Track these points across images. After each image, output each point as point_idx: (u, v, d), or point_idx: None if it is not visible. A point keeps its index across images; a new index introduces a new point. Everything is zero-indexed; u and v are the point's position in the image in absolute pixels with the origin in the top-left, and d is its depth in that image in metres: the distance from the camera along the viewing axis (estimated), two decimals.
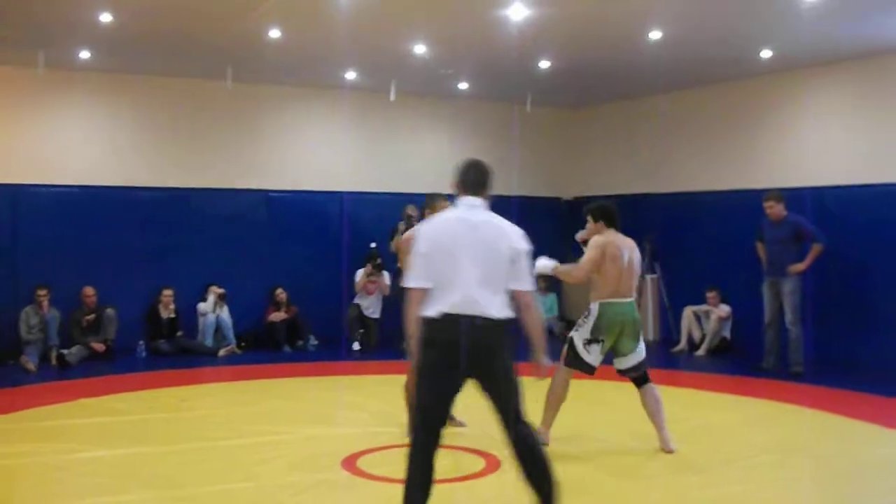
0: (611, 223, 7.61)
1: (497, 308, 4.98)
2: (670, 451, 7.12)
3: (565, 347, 7.42)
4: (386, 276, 13.11)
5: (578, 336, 7.33)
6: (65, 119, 12.84)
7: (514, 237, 5.17)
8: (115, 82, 12.97)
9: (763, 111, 12.99)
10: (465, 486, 6.32)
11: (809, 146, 12.32)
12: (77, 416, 8.47)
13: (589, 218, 7.70)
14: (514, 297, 5.09)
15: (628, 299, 7.30)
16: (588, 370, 7.34)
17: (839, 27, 10.12)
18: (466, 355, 4.89)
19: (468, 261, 4.98)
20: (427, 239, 5.11)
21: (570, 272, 7.58)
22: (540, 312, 5.38)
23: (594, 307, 7.29)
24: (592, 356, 7.28)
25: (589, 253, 7.36)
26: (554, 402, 7.40)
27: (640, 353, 7.37)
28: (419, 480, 4.94)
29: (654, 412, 7.29)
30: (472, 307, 4.93)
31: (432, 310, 4.95)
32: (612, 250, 7.31)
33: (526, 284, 5.13)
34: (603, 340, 7.22)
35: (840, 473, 6.75)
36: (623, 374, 7.44)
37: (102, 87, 12.98)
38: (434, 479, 4.97)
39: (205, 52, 11.64)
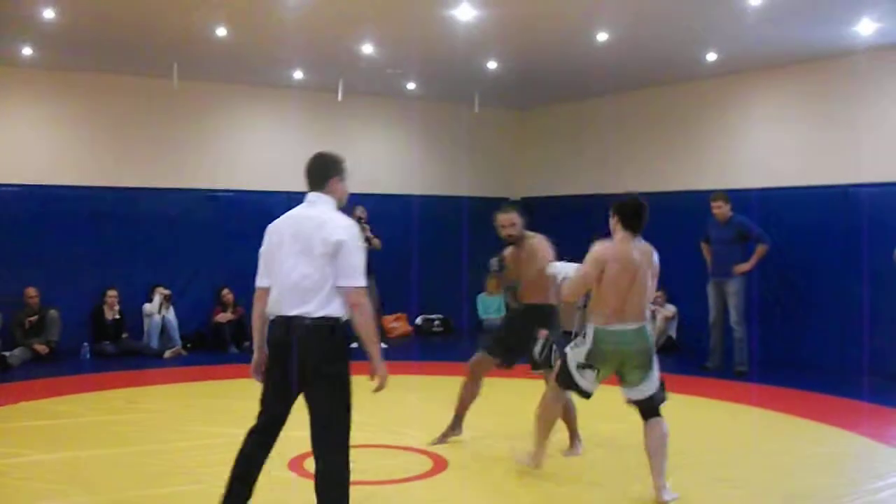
0: (628, 224, 6.45)
1: (316, 307, 4.74)
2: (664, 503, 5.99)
3: (559, 363, 6.47)
4: None
5: (573, 356, 6.32)
6: (5, 117, 12.63)
7: (333, 229, 4.82)
8: (58, 80, 12.79)
9: (709, 113, 13.13)
10: (407, 488, 6.33)
11: (755, 148, 12.46)
12: (19, 419, 8.35)
13: (610, 213, 6.57)
14: (345, 296, 4.79)
15: (634, 325, 6.14)
16: (583, 395, 6.36)
17: (784, 31, 10.25)
18: (288, 358, 4.74)
19: (289, 258, 4.83)
20: (265, 237, 5.04)
21: (561, 290, 6.70)
22: (369, 313, 4.84)
23: (590, 331, 6.26)
24: (587, 381, 6.28)
25: (582, 267, 6.41)
26: (543, 426, 6.52)
27: (651, 383, 6.27)
28: (243, 473, 4.94)
29: (654, 450, 6.11)
30: (291, 307, 4.76)
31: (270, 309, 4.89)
32: (615, 264, 6.22)
33: (351, 280, 4.76)
34: (598, 369, 6.21)
35: (783, 471, 6.84)
36: (630, 403, 6.37)
37: (45, 85, 12.79)
38: (256, 477, 4.95)
39: (150, 50, 11.53)
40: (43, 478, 6.49)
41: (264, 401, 4.98)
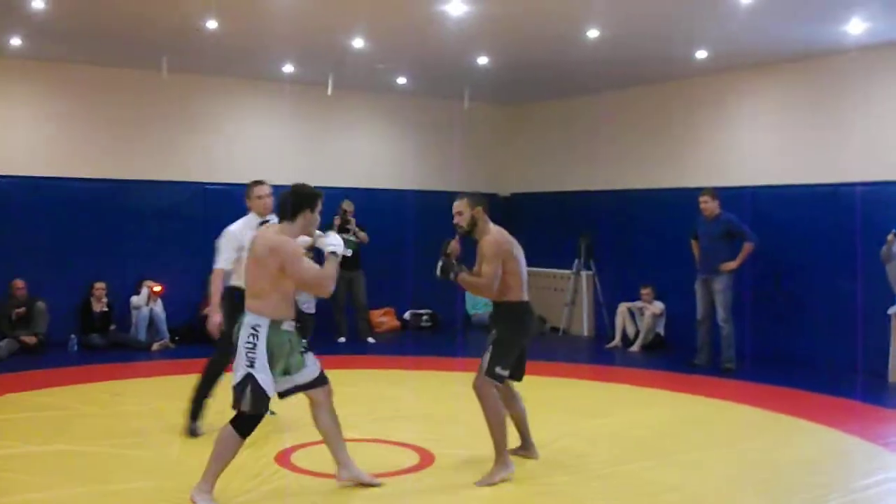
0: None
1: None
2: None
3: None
4: None
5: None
6: None
7: None
8: (47, 71, 12.74)
9: (699, 111, 13.14)
10: (394, 481, 6.31)
11: (744, 146, 12.48)
12: (5, 411, 8.32)
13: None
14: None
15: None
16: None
17: (773, 29, 10.26)
18: None
19: None
20: None
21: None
22: None
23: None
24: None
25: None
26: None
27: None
28: None
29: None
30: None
31: None
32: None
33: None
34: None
35: (768, 468, 6.83)
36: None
37: (34, 76, 12.74)
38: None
39: (140, 42, 11.47)
40: (29, 469, 6.49)
41: None
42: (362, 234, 13.00)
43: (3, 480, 6.23)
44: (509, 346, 6.53)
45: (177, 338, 12.79)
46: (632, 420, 8.38)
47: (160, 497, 5.84)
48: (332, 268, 5.72)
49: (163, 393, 9.46)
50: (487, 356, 6.48)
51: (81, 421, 8.03)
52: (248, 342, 5.57)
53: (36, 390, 9.28)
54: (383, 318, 14.71)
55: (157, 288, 12.72)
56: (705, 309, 11.37)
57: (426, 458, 6.84)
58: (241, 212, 7.72)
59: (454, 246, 6.77)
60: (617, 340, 13.12)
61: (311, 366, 5.88)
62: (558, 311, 14.67)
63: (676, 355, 12.00)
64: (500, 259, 6.49)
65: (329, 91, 13.49)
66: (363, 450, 7.01)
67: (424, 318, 15.10)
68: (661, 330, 12.95)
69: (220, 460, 5.65)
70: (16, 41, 11.36)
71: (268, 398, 5.63)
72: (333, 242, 5.83)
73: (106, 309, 12.56)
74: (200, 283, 13.13)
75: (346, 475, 6.11)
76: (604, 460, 6.92)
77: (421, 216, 15.00)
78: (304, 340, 5.89)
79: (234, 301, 6.68)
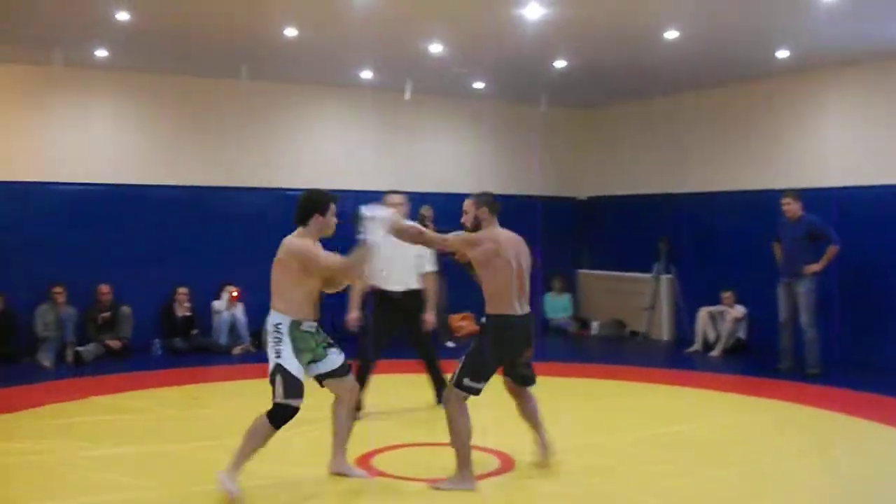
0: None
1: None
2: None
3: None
4: None
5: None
6: (80, 117, 12.87)
7: None
8: (130, 80, 13.00)
9: (780, 111, 12.93)
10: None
11: (827, 146, 12.27)
12: (91, 413, 8.49)
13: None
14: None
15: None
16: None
17: (857, 28, 10.06)
18: None
19: None
20: None
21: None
22: None
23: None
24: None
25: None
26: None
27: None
28: None
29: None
30: None
31: None
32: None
33: None
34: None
35: (853, 477, 6.69)
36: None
37: (118, 86, 13.00)
38: None
39: (220, 51, 11.65)
40: (113, 470, 6.60)
41: None
42: None
43: (89, 480, 6.36)
44: (482, 359, 6.21)
45: (258, 342, 12.92)
46: (712, 426, 8.26)
47: (243, 498, 5.89)
48: (357, 255, 5.97)
49: (243, 396, 9.56)
50: (459, 367, 6.26)
51: (165, 423, 8.17)
52: (275, 337, 5.90)
53: (121, 393, 9.45)
54: (462, 323, 14.71)
55: (235, 293, 12.88)
56: (788, 313, 11.17)
57: (507, 463, 6.82)
58: None
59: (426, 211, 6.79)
60: (697, 345, 12.96)
61: (334, 356, 6.16)
62: (638, 315, 14.55)
63: (758, 360, 11.82)
64: (474, 245, 6.51)
65: (407, 96, 13.55)
66: (442, 454, 7.01)
67: None
68: (742, 334, 12.77)
69: (249, 447, 5.85)
70: (101, 52, 11.61)
71: (300, 386, 5.84)
72: (366, 228, 6.01)
73: (188, 313, 12.76)
74: None
75: (336, 468, 6.34)
76: (683, 468, 6.83)
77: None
78: (327, 337, 6.19)
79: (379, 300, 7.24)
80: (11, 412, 8.51)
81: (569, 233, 16.04)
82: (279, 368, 5.82)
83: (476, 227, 6.66)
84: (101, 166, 12.83)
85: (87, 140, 12.86)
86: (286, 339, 5.88)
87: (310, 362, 6.02)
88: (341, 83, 13.86)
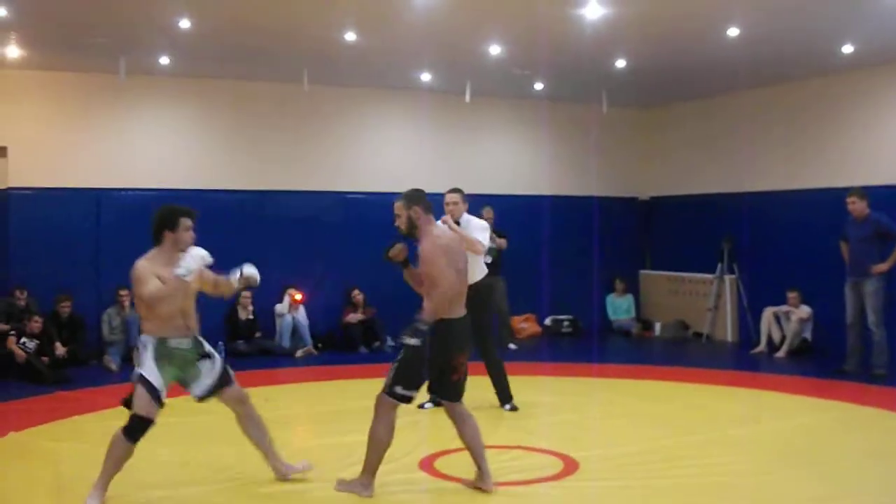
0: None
1: None
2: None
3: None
4: None
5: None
6: (145, 124, 13.09)
7: None
8: (193, 87, 13.19)
9: (845, 108, 12.74)
10: (536, 489, 6.29)
11: (894, 142, 12.05)
12: (160, 414, 8.58)
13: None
14: None
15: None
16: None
17: None
18: None
19: None
20: None
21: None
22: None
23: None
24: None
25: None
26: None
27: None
28: None
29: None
30: None
31: None
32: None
33: None
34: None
35: None
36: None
37: (181, 92, 13.20)
38: None
39: (281, 56, 11.76)
40: (179, 470, 6.74)
41: None
42: (500, 241, 13.01)
43: (162, 476, 6.52)
44: (413, 365, 5.93)
45: (319, 345, 13.02)
46: (777, 428, 8.16)
47: (309, 500, 5.94)
48: (169, 285, 5.88)
49: (310, 398, 9.65)
50: (391, 373, 6.01)
51: (230, 425, 8.21)
52: (137, 354, 5.94)
53: (187, 395, 9.53)
54: (524, 324, 14.71)
55: (298, 296, 12.98)
56: (855, 313, 10.99)
57: (570, 465, 6.79)
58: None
59: (399, 248, 6.28)
60: (762, 346, 12.82)
61: (206, 370, 6.20)
62: (701, 316, 14.42)
63: (824, 361, 11.65)
64: (444, 259, 5.94)
65: (467, 98, 13.56)
66: (506, 457, 7.02)
67: (565, 323, 15.02)
68: (808, 335, 12.60)
69: (111, 465, 5.84)
70: (164, 60, 11.78)
71: (159, 399, 5.85)
72: (184, 265, 5.94)
73: (251, 316, 12.88)
74: (342, 290, 13.41)
75: (279, 474, 6.38)
76: (747, 469, 6.76)
77: (560, 222, 14.98)
78: (203, 349, 6.22)
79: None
80: (80, 414, 8.66)
81: (631, 234, 15.96)
82: (141, 379, 5.81)
83: (410, 229, 6.10)
84: (164, 171, 13.02)
85: (153, 147, 13.08)
86: (148, 356, 5.88)
87: (182, 382, 6.11)
88: (400, 86, 13.91)
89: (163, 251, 6.07)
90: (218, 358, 6.29)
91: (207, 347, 6.25)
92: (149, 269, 5.89)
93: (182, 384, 6.15)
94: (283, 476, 6.35)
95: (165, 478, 6.56)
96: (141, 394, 5.80)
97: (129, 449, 5.84)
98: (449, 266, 5.93)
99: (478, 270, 8.29)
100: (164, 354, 5.93)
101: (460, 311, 6.03)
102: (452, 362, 6.01)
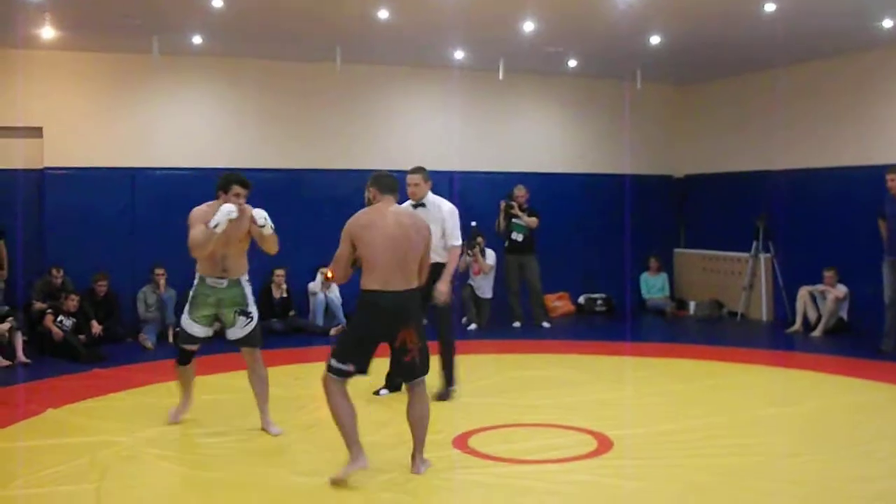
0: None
1: None
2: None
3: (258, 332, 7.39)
4: (491, 256, 13.13)
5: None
6: (178, 104, 13.14)
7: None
8: (225, 66, 13.22)
9: (884, 83, 12.56)
10: (571, 468, 6.27)
11: None
12: (196, 392, 8.65)
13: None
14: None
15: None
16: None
17: None
18: None
19: None
20: None
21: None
22: None
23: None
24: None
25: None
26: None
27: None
28: None
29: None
30: None
31: None
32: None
33: None
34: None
35: None
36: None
37: (214, 72, 13.24)
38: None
39: (314, 35, 11.77)
40: (216, 448, 6.78)
41: None
42: (530, 219, 13.00)
43: (203, 455, 6.58)
44: (347, 338, 6.24)
45: None
46: (814, 408, 8.09)
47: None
48: (197, 232, 6.97)
49: None
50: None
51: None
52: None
53: (223, 373, 9.61)
54: (558, 303, 14.68)
55: (330, 274, 12.97)
56: (893, 292, 10.86)
57: (604, 443, 6.78)
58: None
59: None
60: (798, 325, 12.72)
61: (239, 329, 7.16)
62: (736, 295, 14.33)
63: (861, 341, 11.54)
64: (346, 240, 6.33)
65: (500, 76, 13.50)
66: (541, 435, 7.02)
67: (599, 302, 14.98)
68: (844, 314, 12.49)
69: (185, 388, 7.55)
70: (197, 39, 11.80)
71: (186, 336, 7.23)
72: (216, 218, 6.95)
73: (285, 295, 12.93)
74: None
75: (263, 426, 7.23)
76: (785, 449, 6.73)
77: (594, 200, 14.94)
78: (246, 307, 7.20)
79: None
80: (116, 391, 8.74)
81: (665, 212, 15.86)
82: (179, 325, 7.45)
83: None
84: (201, 151, 13.09)
85: (186, 126, 13.14)
86: (192, 295, 7.19)
87: (221, 321, 7.22)
88: (434, 64, 13.87)
89: (213, 206, 7.08)
90: (254, 321, 7.23)
91: (250, 308, 7.22)
92: (198, 217, 7.03)
93: (221, 323, 7.24)
94: (264, 428, 7.21)
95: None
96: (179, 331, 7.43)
97: (183, 371, 7.47)
98: (361, 237, 6.24)
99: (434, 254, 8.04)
100: (202, 291, 7.12)
101: (394, 286, 6.04)
102: (390, 341, 6.03)
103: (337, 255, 6.36)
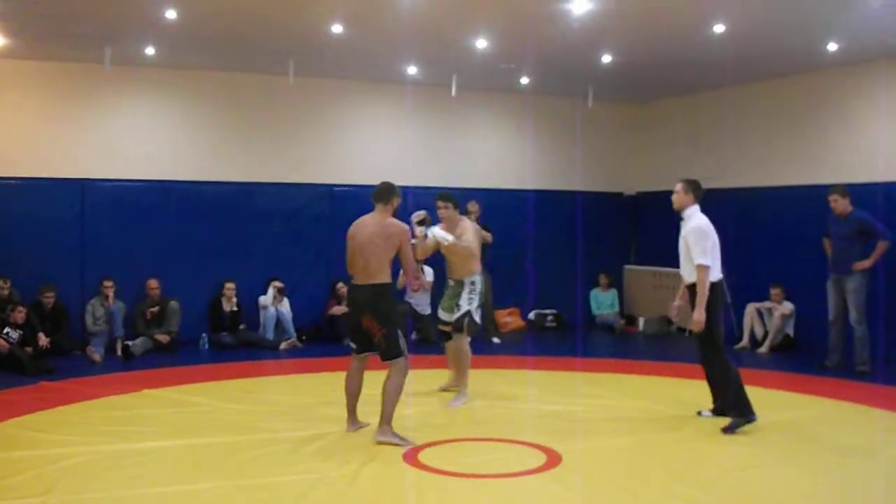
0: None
1: None
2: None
3: (466, 321, 8.86)
4: (429, 273, 13.02)
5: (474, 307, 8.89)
6: (130, 114, 13.05)
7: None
8: (179, 78, 13.15)
9: (829, 105, 12.79)
10: (520, 482, 6.30)
11: (878, 140, 12.08)
12: (142, 406, 8.60)
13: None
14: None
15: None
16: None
17: None
18: None
19: None
20: None
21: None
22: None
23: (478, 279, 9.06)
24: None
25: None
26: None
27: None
28: None
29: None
30: None
31: None
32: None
33: None
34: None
35: None
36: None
37: (167, 83, 13.16)
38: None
39: (268, 48, 11.75)
40: (169, 462, 6.70)
41: None
42: (486, 235, 13.02)
43: (140, 473, 6.42)
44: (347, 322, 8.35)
45: (304, 337, 13.01)
46: (761, 423, 8.18)
47: (293, 491, 5.94)
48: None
49: (293, 391, 9.64)
50: None
51: (216, 417, 8.23)
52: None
53: (171, 386, 9.56)
54: (508, 318, 14.72)
55: (280, 285, 12.90)
56: (837, 309, 11.05)
57: (553, 458, 6.81)
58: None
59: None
60: (745, 341, 12.87)
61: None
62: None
63: (807, 357, 11.71)
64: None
65: (453, 92, 13.56)
66: (491, 449, 7.05)
67: (549, 318, 15.05)
68: (790, 331, 12.67)
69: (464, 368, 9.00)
70: (150, 50, 11.75)
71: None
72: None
73: (235, 308, 12.87)
74: (327, 283, 13.42)
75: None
76: (732, 464, 6.80)
77: (545, 216, 15.01)
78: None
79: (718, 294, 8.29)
80: (64, 405, 8.64)
81: (616, 229, 15.99)
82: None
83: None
84: (152, 163, 13.02)
85: (138, 137, 13.05)
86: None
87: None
88: (387, 79, 13.90)
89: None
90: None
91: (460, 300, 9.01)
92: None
93: None
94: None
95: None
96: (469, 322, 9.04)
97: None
98: (350, 242, 7.52)
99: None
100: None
101: (358, 279, 7.43)
102: (355, 323, 7.53)
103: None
